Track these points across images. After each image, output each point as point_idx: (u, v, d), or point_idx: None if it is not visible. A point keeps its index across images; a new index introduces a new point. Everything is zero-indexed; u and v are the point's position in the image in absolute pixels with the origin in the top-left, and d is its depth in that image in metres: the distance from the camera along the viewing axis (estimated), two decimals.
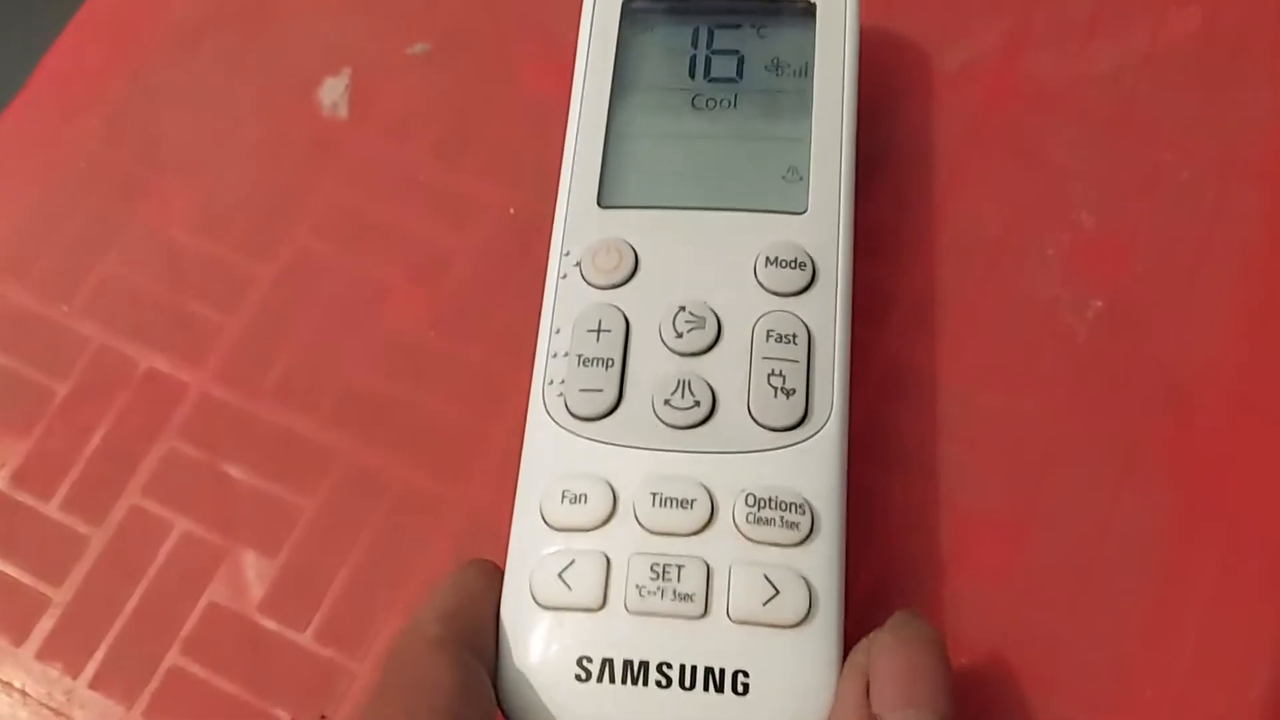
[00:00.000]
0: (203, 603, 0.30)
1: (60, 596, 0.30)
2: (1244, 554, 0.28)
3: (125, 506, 0.31)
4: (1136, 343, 0.30)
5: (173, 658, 0.29)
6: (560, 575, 0.25)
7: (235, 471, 0.31)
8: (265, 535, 0.30)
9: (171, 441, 0.31)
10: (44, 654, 0.29)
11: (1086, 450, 0.29)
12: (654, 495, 0.25)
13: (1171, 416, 0.29)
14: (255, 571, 0.30)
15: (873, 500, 0.29)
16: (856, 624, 0.25)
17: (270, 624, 0.29)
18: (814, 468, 0.26)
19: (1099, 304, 0.31)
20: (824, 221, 0.28)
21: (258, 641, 0.29)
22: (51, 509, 0.31)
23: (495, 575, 0.25)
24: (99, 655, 0.29)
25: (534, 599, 0.25)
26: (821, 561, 0.25)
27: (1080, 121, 0.32)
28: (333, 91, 0.35)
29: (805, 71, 0.30)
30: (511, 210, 0.33)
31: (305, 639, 0.29)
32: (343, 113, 0.35)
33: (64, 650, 0.29)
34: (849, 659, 0.24)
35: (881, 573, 0.29)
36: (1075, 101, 0.33)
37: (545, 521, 0.26)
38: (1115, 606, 0.28)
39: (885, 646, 0.23)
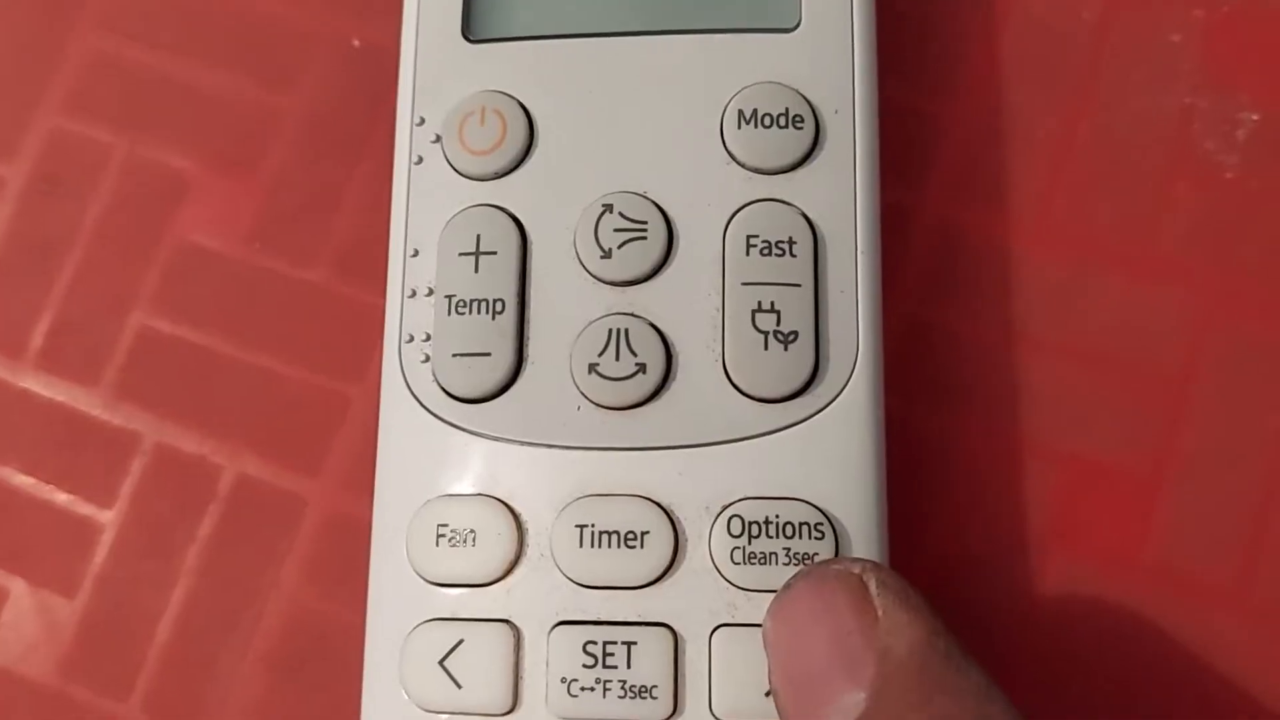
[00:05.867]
0: None
1: None
2: None
3: None
4: None
5: None
6: (443, 663, 0.16)
7: (2, 476, 0.22)
8: (57, 566, 0.21)
9: None
10: None
11: (1247, 356, 0.20)
12: (581, 528, 0.16)
13: None
14: (49, 619, 0.21)
15: (931, 454, 0.20)
16: None
17: (80, 692, 0.21)
18: (834, 458, 0.16)
19: (1254, 117, 0.21)
20: (828, 39, 0.18)
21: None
22: None
23: None
24: None
25: (407, 696, 0.16)
26: None
27: None
28: None
29: None
30: (356, 43, 0.22)
31: (131, 711, 0.20)
32: None
33: None
34: None
35: (947, 557, 0.20)
36: None
37: (416, 571, 0.16)
38: None
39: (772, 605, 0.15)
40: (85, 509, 0.21)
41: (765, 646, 0.15)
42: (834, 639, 0.14)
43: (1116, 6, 0.21)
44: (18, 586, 0.21)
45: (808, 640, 0.14)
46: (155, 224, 0.22)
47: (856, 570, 0.14)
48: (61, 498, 0.21)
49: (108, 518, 0.21)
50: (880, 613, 0.14)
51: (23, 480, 0.22)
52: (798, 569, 0.15)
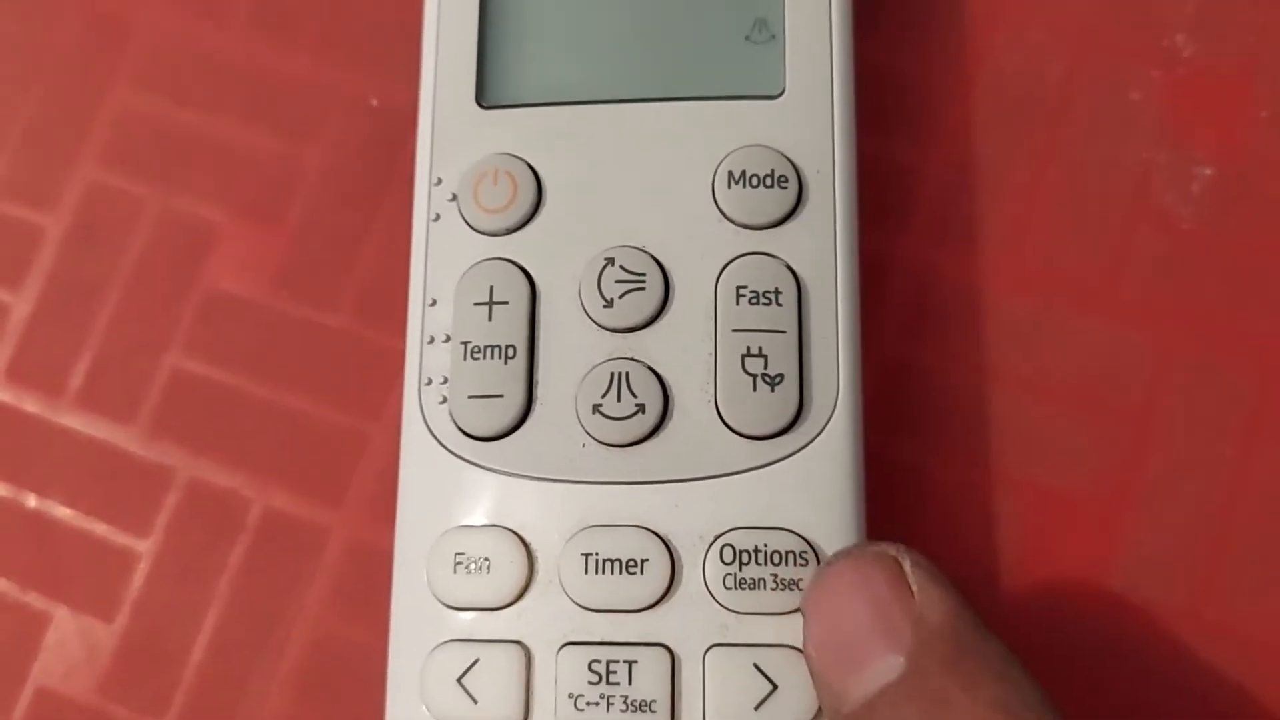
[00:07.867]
0: (29, 688, 0.22)
1: None
2: None
3: None
4: (1267, 225, 0.22)
5: None
6: (460, 681, 0.17)
7: (45, 507, 0.23)
8: (96, 592, 0.23)
9: None
10: None
11: (1204, 391, 0.21)
12: (586, 556, 0.17)
13: None
14: (89, 641, 0.22)
15: (904, 486, 0.21)
16: None
17: (119, 711, 0.22)
18: (818, 490, 0.18)
19: (1208, 171, 0.22)
20: (810, 106, 0.19)
21: None
22: None
23: None
24: None
25: (427, 711, 0.18)
26: None
27: None
28: None
29: None
30: (374, 102, 0.24)
31: None
32: None
33: None
34: None
35: None
36: None
37: (435, 596, 0.18)
38: (1250, 609, 0.20)
39: (814, 580, 0.17)
40: (123, 539, 0.23)
41: (804, 617, 0.16)
42: (873, 609, 0.16)
43: (1080, 66, 0.23)
44: (60, 611, 0.23)
45: (847, 610, 0.16)
46: (187, 271, 0.24)
47: (892, 552, 0.16)
48: (101, 528, 0.23)
49: (144, 547, 0.23)
50: (915, 588, 0.16)
51: (64, 512, 0.23)
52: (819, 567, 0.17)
